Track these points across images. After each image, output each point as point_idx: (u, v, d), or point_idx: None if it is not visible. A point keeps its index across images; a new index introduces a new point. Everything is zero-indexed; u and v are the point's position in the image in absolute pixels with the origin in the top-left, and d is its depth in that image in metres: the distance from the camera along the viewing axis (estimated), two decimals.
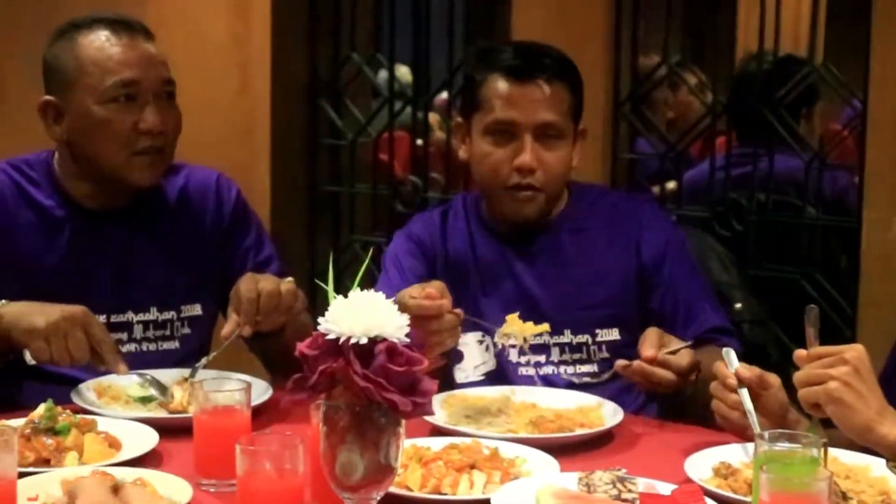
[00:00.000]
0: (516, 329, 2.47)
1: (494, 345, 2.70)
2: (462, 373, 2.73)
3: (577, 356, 2.71)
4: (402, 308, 2.30)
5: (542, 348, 2.70)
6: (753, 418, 2.17)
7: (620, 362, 2.44)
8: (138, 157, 2.61)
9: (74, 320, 2.36)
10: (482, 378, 2.71)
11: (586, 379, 2.68)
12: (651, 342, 2.44)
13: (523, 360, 2.71)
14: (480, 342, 2.73)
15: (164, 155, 2.66)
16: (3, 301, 2.42)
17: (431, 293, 2.38)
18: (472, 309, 2.65)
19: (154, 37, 2.68)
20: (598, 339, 2.72)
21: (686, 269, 2.78)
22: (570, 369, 2.71)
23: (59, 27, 2.66)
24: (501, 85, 2.67)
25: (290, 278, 2.61)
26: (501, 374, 2.70)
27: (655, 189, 4.05)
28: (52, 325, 2.35)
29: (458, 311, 2.41)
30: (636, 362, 2.41)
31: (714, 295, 2.86)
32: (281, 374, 2.60)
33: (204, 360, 2.57)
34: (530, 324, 2.47)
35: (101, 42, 2.60)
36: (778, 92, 3.71)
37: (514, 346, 2.57)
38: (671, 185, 4.03)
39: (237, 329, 2.51)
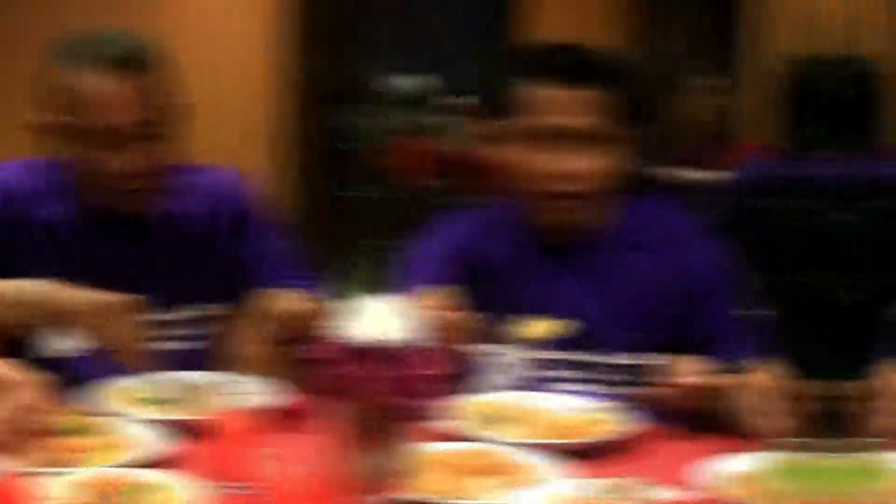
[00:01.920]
0: (534, 331, 2.46)
1: (527, 358, 2.67)
2: (490, 381, 2.68)
3: (611, 377, 2.64)
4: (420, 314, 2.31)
5: (575, 365, 2.65)
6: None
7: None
8: (118, 195, 2.62)
9: (120, 301, 2.34)
10: (510, 388, 2.67)
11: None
12: None
13: (553, 375, 2.68)
14: (509, 352, 2.69)
15: (148, 192, 2.65)
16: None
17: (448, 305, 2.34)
18: (504, 315, 2.64)
19: (135, 67, 2.52)
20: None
21: (723, 302, 2.66)
22: (603, 389, 2.61)
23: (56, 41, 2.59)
24: (533, 88, 2.56)
25: (314, 296, 2.58)
26: (530, 386, 2.62)
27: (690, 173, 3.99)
28: (101, 304, 2.32)
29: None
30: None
31: (744, 326, 2.72)
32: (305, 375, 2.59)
33: (233, 381, 2.55)
34: (547, 324, 2.45)
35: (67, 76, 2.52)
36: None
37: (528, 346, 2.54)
38: (693, 174, 3.99)
39: (254, 349, 2.49)
